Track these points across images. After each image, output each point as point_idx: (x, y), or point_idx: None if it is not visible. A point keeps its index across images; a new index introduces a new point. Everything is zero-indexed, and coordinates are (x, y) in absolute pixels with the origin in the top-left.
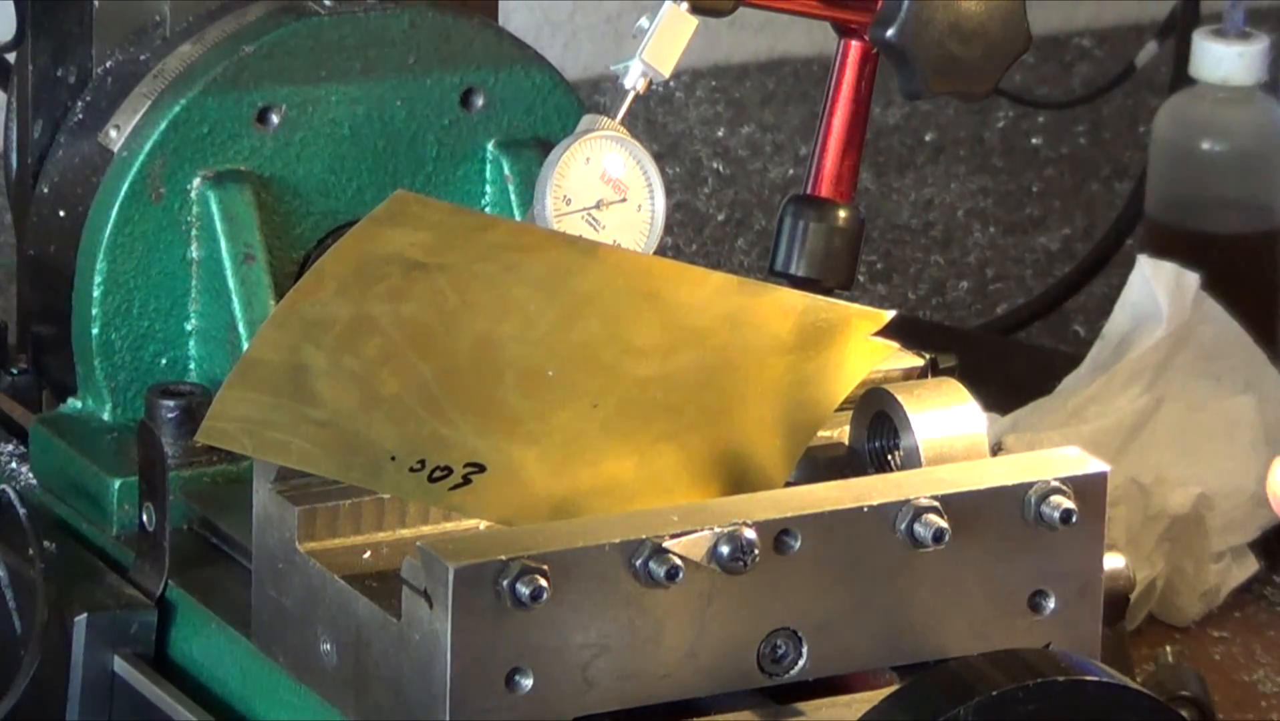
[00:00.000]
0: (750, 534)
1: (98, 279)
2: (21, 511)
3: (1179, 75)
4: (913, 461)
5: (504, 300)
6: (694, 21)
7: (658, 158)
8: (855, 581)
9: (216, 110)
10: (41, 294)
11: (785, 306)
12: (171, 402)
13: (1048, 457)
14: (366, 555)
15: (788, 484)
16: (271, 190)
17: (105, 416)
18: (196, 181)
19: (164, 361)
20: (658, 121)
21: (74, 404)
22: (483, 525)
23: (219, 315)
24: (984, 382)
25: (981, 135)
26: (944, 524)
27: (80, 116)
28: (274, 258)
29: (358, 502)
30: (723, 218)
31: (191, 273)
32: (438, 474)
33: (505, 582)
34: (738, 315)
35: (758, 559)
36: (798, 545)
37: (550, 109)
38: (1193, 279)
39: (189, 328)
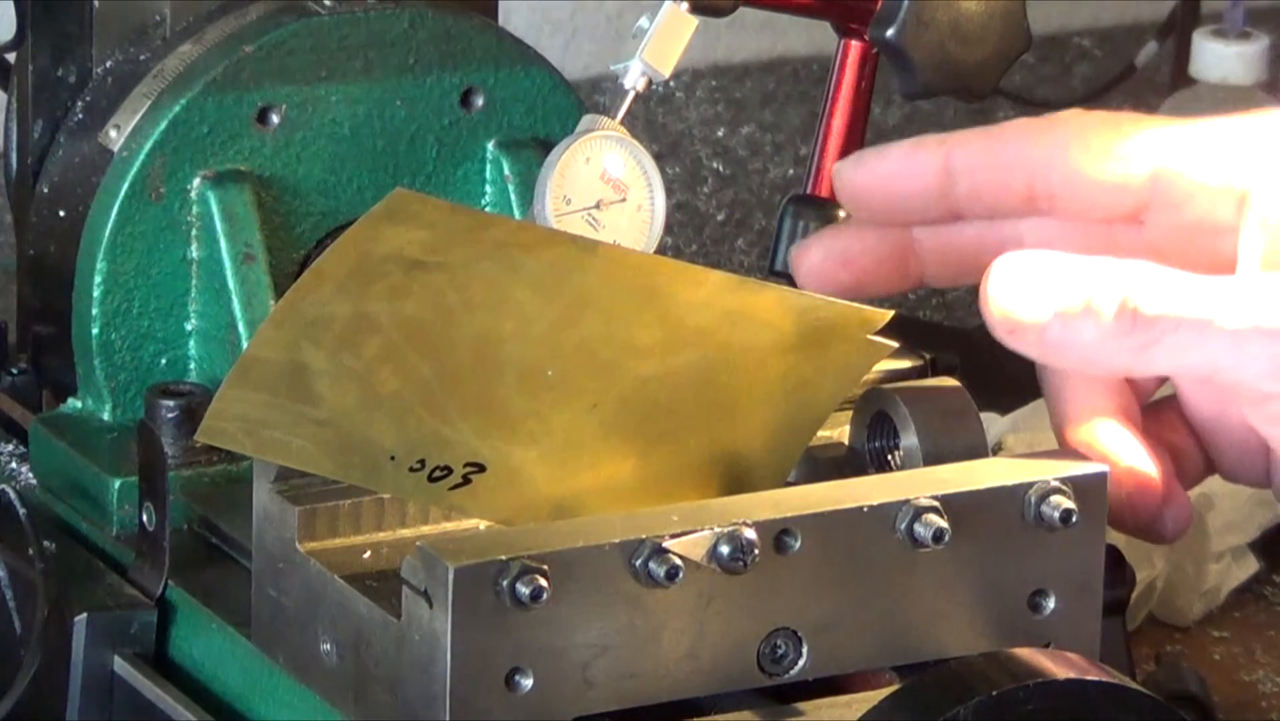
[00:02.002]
0: (750, 534)
1: (98, 279)
2: (21, 511)
3: (1179, 75)
4: (913, 461)
5: (504, 299)
6: (694, 21)
7: (658, 158)
8: (855, 581)
9: (216, 110)
10: (41, 294)
11: (785, 306)
12: (171, 402)
13: (1048, 457)
14: (366, 555)
15: (788, 484)
16: (271, 190)
17: (105, 416)
18: (196, 181)
19: (164, 361)
20: (658, 121)
21: (74, 404)
22: (483, 525)
23: (219, 315)
24: (984, 382)
25: None
26: (944, 524)
27: (80, 116)
28: (274, 258)
29: (358, 502)
30: (723, 218)
31: (191, 273)
32: (438, 474)
33: (505, 582)
34: (738, 315)
35: (758, 559)
36: (798, 545)
37: (550, 109)
38: None
39: (189, 328)
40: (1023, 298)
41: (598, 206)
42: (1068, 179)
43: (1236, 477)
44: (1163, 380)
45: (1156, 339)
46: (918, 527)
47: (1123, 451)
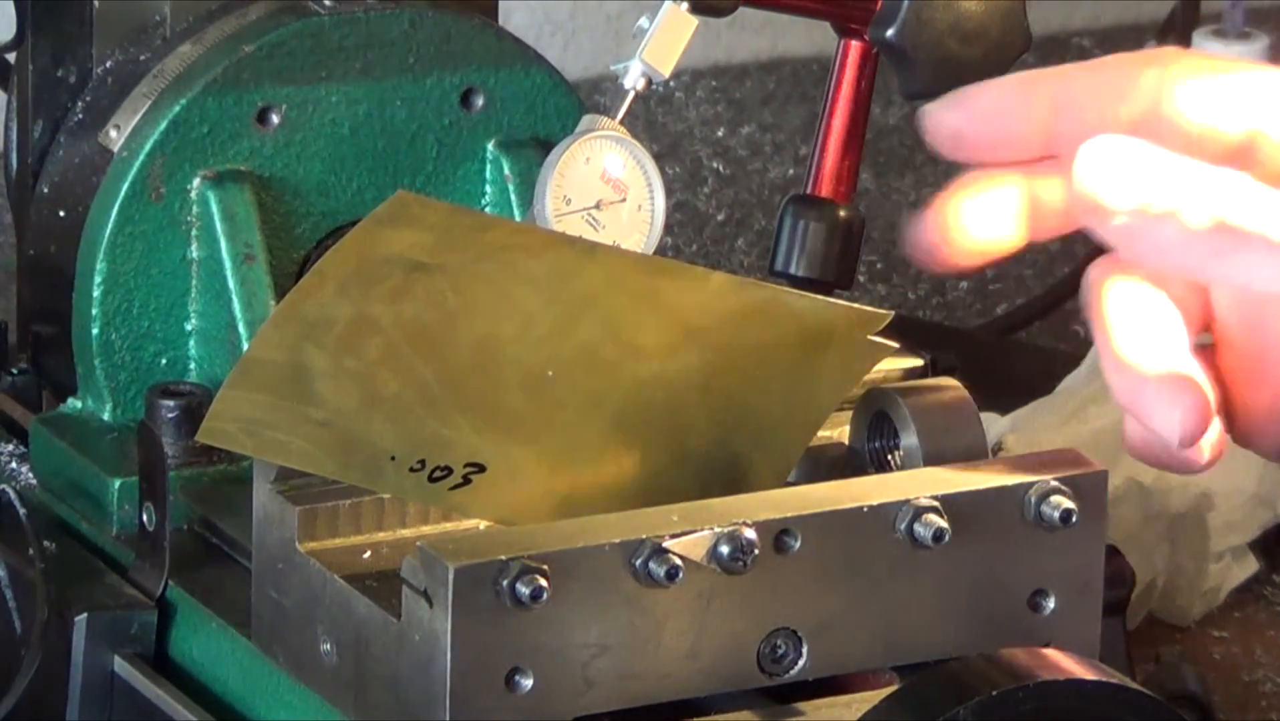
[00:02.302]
0: (750, 534)
1: (98, 279)
2: (21, 511)
3: None
4: (913, 461)
5: (504, 300)
6: (694, 21)
7: (658, 158)
8: (855, 581)
9: (216, 110)
10: (41, 294)
11: (785, 306)
12: (171, 402)
13: (1048, 457)
14: (366, 555)
15: (788, 484)
16: (271, 190)
17: (105, 416)
18: (196, 181)
19: (164, 361)
20: (658, 121)
21: (74, 404)
22: (483, 525)
23: (219, 315)
24: (984, 383)
25: None
26: (944, 524)
27: (80, 116)
28: (274, 258)
29: (358, 502)
30: (723, 218)
31: (191, 273)
32: (438, 474)
33: (505, 582)
34: (738, 315)
35: (758, 559)
36: (798, 545)
37: (550, 109)
38: None
39: (189, 328)
40: (1111, 181)
41: (598, 206)
42: (1167, 119)
43: (1250, 441)
44: (1206, 324)
45: (1236, 248)
46: (918, 527)
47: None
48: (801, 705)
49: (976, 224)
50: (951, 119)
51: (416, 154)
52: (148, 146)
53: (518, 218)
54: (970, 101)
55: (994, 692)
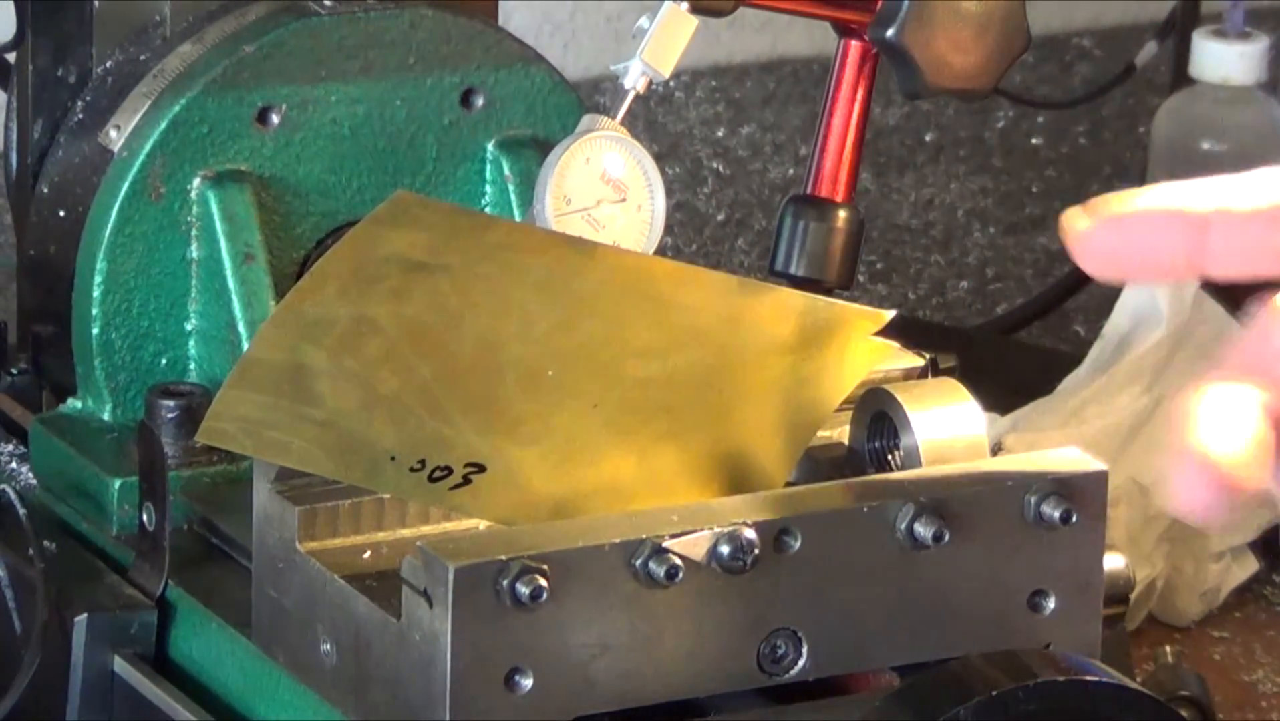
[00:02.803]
0: (750, 534)
1: (98, 279)
2: (21, 511)
3: (1179, 75)
4: (913, 461)
5: (504, 301)
6: (694, 21)
7: (658, 158)
8: (855, 581)
9: (216, 110)
10: (41, 294)
11: (785, 306)
12: (171, 402)
13: (1048, 457)
14: (366, 555)
15: (788, 484)
16: (271, 190)
17: (105, 416)
18: (196, 181)
19: (164, 361)
20: (658, 121)
21: (74, 404)
22: (483, 525)
23: (219, 315)
24: (984, 382)
25: (981, 135)
26: (944, 524)
27: (80, 116)
28: (274, 257)
29: (358, 502)
30: (723, 218)
31: (191, 272)
32: (438, 474)
33: (505, 582)
34: (738, 315)
35: (758, 559)
36: (798, 545)
37: (550, 109)
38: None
39: (189, 328)
40: None
41: (598, 206)
42: None
43: None
44: None
45: None
46: (918, 527)
47: None
48: (801, 705)
49: (1236, 471)
50: (1102, 238)
51: (416, 154)
52: (148, 146)
53: (518, 218)
54: (1118, 218)
55: (994, 692)
